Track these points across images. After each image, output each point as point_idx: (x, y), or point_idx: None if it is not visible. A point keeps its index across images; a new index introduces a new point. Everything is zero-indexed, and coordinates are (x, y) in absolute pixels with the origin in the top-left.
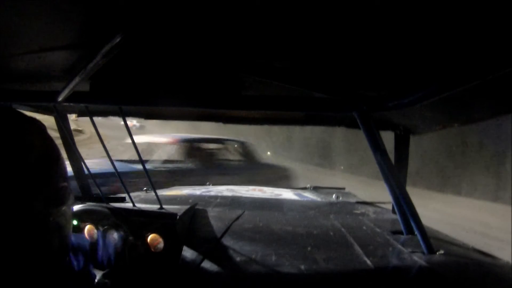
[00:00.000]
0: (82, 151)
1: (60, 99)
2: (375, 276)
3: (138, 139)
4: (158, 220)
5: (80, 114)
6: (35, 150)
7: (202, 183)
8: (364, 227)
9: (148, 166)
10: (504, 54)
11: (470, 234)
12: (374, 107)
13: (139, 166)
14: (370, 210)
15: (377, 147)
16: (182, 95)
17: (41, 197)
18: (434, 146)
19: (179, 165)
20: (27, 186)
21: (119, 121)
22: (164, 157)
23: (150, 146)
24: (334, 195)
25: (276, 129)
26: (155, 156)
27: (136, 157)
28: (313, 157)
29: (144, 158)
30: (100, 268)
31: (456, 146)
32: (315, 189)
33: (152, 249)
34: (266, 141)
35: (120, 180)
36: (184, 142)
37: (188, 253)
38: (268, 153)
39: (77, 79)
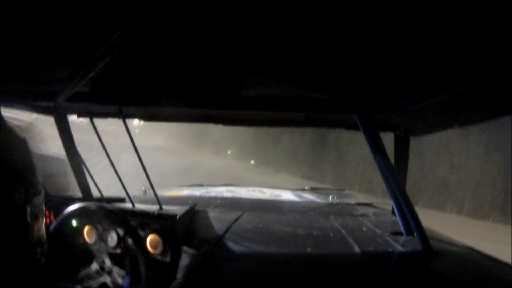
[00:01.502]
0: None
1: (60, 99)
2: (375, 277)
3: None
4: (157, 221)
5: (80, 114)
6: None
7: None
8: (364, 228)
9: None
10: (502, 56)
11: None
12: (374, 108)
13: None
14: (370, 211)
15: (377, 148)
16: (182, 96)
17: (21, 189)
18: (435, 157)
19: None
20: (8, 179)
21: None
22: None
23: None
24: (334, 196)
25: (263, 136)
26: None
27: None
28: (301, 167)
29: None
30: (98, 268)
31: (459, 157)
32: (315, 190)
33: (152, 250)
34: (250, 149)
35: (120, 180)
36: None
37: (187, 254)
38: (252, 161)
39: (77, 80)
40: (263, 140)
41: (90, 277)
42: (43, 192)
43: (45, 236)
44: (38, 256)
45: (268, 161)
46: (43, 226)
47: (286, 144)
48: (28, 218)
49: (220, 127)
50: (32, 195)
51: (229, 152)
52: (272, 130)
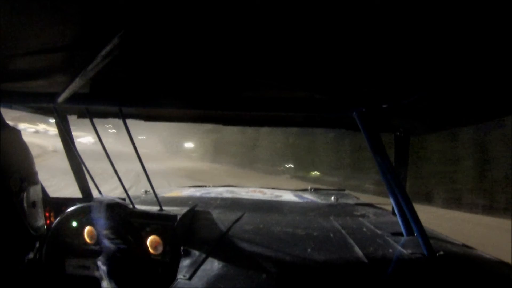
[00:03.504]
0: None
1: (60, 100)
2: (376, 277)
3: None
4: (158, 221)
5: (80, 115)
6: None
7: None
8: (364, 229)
9: None
10: (502, 57)
11: None
12: (374, 108)
13: None
14: (370, 211)
15: (377, 148)
16: (182, 97)
17: (15, 176)
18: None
19: None
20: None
21: None
22: None
23: None
24: (334, 197)
25: (314, 145)
26: None
27: None
28: (368, 174)
29: None
30: (99, 268)
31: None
32: (315, 190)
33: (152, 251)
34: (309, 164)
35: (120, 181)
36: None
37: (187, 255)
38: (314, 173)
39: (77, 81)
40: (318, 148)
41: (89, 276)
42: (40, 183)
43: (44, 226)
44: (38, 246)
45: (326, 172)
46: (42, 216)
47: (346, 150)
48: (25, 206)
49: (266, 141)
50: (27, 184)
51: (288, 166)
52: (327, 138)
